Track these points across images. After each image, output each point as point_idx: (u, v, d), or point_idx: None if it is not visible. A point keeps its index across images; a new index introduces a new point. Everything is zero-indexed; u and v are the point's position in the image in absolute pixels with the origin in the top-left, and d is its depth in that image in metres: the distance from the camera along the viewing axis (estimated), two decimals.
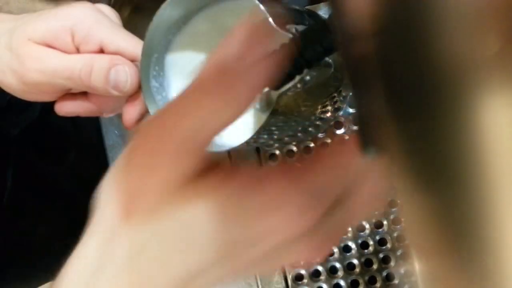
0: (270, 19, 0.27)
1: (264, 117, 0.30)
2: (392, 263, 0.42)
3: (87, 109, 0.34)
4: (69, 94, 0.34)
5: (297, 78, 0.27)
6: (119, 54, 0.31)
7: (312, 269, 0.42)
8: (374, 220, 0.42)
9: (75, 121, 0.65)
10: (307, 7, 0.43)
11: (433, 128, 0.12)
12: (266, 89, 0.29)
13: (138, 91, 0.31)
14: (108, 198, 0.19)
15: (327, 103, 0.38)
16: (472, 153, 0.12)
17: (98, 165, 0.37)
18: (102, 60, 0.30)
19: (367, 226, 0.42)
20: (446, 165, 0.13)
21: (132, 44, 0.31)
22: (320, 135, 0.42)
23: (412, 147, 0.14)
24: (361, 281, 0.42)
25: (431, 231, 0.15)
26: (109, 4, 0.51)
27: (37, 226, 0.54)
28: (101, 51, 0.31)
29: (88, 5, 0.32)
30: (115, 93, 0.30)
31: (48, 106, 0.34)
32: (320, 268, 0.42)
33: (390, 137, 0.15)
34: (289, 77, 0.27)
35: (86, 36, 0.30)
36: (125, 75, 0.30)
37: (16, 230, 0.50)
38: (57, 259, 0.19)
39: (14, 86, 0.31)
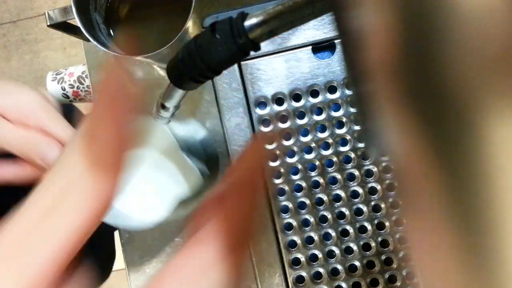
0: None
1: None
2: (394, 265, 0.41)
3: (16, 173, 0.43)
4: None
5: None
6: (52, 136, 0.40)
7: (313, 271, 0.42)
8: (376, 222, 0.42)
9: None
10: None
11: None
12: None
13: None
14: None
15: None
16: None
17: None
18: (44, 140, 0.40)
19: (369, 227, 0.42)
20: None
21: (63, 129, 0.41)
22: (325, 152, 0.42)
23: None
24: (363, 283, 0.41)
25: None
26: (106, 3, 0.50)
27: None
28: (39, 130, 0.40)
29: (34, 92, 0.42)
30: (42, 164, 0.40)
31: None
32: (321, 270, 0.42)
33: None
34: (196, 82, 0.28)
35: (28, 117, 0.40)
36: (55, 154, 0.40)
37: None
38: None
39: None
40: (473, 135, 0.11)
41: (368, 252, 0.42)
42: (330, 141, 0.42)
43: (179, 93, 0.31)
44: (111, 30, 0.50)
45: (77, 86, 0.78)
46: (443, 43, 0.11)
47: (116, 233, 0.59)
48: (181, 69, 0.28)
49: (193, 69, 0.27)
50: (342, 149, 0.42)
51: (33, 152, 0.40)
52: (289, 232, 0.42)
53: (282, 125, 0.42)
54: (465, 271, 0.13)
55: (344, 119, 0.42)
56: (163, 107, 0.34)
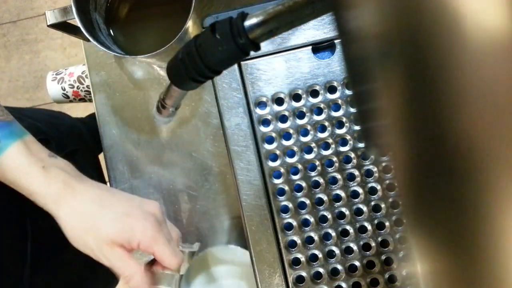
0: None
1: None
2: (394, 265, 0.41)
3: None
4: None
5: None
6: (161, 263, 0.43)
7: (313, 271, 0.42)
8: (376, 222, 0.42)
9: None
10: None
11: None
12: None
13: None
14: None
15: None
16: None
17: None
18: (137, 278, 0.42)
19: (369, 227, 0.42)
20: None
21: (170, 258, 0.42)
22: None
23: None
24: (363, 283, 0.41)
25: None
26: (106, 3, 0.50)
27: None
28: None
29: (151, 218, 0.42)
30: None
31: None
32: (321, 270, 0.42)
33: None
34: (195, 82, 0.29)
35: (141, 248, 0.42)
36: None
37: None
38: None
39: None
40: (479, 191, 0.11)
41: (368, 252, 0.42)
42: (330, 141, 0.42)
43: (179, 93, 0.31)
44: (111, 30, 0.50)
45: (77, 86, 0.78)
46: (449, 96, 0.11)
47: None
48: (181, 69, 0.28)
49: (193, 69, 0.27)
50: (342, 149, 0.42)
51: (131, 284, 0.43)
52: (289, 232, 0.42)
53: (282, 125, 0.42)
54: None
55: (344, 119, 0.42)
56: (163, 107, 0.34)
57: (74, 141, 0.69)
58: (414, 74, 0.12)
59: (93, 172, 0.71)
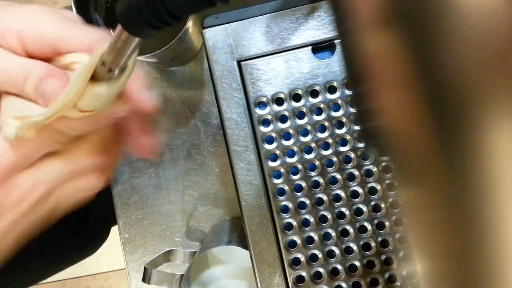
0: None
1: None
2: (394, 265, 0.41)
3: None
4: None
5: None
6: (73, 51, 0.29)
7: (313, 271, 0.42)
8: (376, 221, 0.42)
9: None
10: None
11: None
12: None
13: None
14: None
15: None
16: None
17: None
18: (39, 69, 0.28)
19: (369, 227, 0.42)
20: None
21: (88, 38, 0.29)
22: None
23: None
24: (362, 283, 0.41)
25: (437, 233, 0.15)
26: (107, 3, 0.50)
27: None
28: (57, 52, 0.29)
29: (43, 6, 0.30)
30: (42, 103, 0.28)
31: None
32: (321, 270, 0.42)
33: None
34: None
35: (36, 38, 0.28)
36: (52, 88, 0.28)
37: None
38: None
39: None
40: (471, 129, 0.12)
41: (368, 252, 0.42)
42: (330, 141, 0.42)
43: (130, 44, 0.26)
44: (111, 31, 0.50)
45: None
46: (444, 40, 0.11)
47: (116, 230, 0.59)
48: (136, 12, 0.24)
49: (148, 10, 0.23)
50: (342, 149, 0.42)
51: (30, 87, 0.28)
52: (289, 232, 0.42)
53: (282, 125, 0.42)
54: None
55: (344, 119, 0.42)
56: (104, 64, 0.26)
57: None
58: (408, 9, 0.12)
59: None
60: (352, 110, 0.42)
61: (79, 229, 0.72)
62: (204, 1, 0.22)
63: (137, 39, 0.25)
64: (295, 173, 0.42)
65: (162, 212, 0.57)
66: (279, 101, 0.43)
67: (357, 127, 0.42)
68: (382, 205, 0.42)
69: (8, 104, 0.29)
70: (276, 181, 0.42)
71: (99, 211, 0.75)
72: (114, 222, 0.60)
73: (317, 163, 0.42)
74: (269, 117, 0.42)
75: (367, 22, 0.15)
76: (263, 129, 0.42)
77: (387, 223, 0.42)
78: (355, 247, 0.42)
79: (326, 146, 0.42)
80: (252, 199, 0.42)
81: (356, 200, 0.42)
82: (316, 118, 0.42)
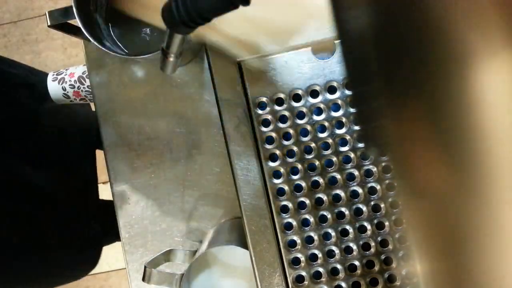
0: None
1: None
2: (394, 265, 0.41)
3: None
4: None
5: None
6: None
7: (313, 271, 0.42)
8: (375, 221, 0.42)
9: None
10: None
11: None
12: None
13: None
14: None
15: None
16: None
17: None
18: None
19: (368, 227, 0.42)
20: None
21: None
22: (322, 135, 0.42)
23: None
24: (362, 282, 0.42)
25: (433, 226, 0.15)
26: (107, 3, 0.50)
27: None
28: None
29: None
30: None
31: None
32: (321, 269, 0.42)
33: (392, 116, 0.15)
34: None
35: None
36: None
37: None
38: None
39: None
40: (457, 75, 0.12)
41: (367, 252, 0.42)
42: (330, 141, 0.42)
43: (177, 38, 0.34)
44: (111, 31, 0.50)
45: (78, 86, 0.78)
46: None
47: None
48: (173, 12, 0.30)
49: (184, 13, 0.29)
50: (342, 149, 0.42)
51: None
52: (289, 231, 0.42)
53: (282, 125, 0.42)
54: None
55: (343, 119, 0.42)
56: (165, 54, 0.35)
57: (67, 119, 0.69)
58: None
59: (85, 160, 0.71)
60: (352, 110, 0.42)
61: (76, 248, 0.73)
62: (228, 4, 0.27)
63: (180, 36, 0.33)
64: (295, 173, 0.42)
65: (162, 212, 0.57)
66: (279, 101, 0.43)
67: (357, 127, 0.42)
68: (382, 205, 0.42)
69: None
70: (276, 181, 0.42)
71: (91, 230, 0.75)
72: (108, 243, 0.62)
73: (317, 163, 0.42)
74: (269, 117, 0.42)
75: None
76: (263, 129, 0.42)
77: (386, 223, 0.42)
78: (355, 247, 0.42)
79: (326, 146, 0.42)
80: (252, 199, 0.42)
81: (356, 200, 0.42)
82: (316, 118, 0.42)
